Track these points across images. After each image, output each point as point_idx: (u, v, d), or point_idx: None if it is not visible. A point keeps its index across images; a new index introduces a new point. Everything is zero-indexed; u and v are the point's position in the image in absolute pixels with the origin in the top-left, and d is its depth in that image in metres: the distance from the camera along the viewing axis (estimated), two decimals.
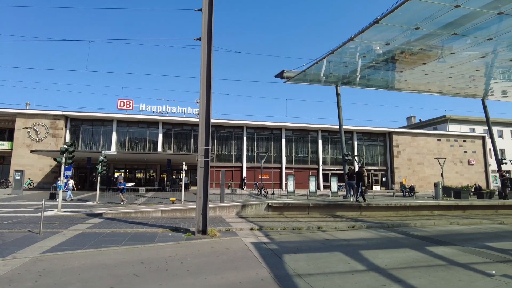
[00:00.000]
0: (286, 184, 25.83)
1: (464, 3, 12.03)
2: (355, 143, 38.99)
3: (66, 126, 31.29)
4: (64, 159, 14.30)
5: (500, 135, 45.43)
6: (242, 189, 32.43)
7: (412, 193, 26.09)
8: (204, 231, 9.56)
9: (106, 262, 6.67)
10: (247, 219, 13.11)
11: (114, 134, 32.64)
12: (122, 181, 19.53)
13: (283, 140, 37.49)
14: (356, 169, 23.20)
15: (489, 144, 39.47)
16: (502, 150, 44.26)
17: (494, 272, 6.17)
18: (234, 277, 5.87)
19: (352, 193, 19.26)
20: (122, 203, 17.48)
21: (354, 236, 10.11)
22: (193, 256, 7.32)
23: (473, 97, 27.51)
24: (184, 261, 6.87)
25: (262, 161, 28.28)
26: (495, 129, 43.88)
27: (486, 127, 28.13)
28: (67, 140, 30.57)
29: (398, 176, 37.31)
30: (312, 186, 24.61)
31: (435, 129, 44.73)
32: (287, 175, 31.07)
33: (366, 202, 16.32)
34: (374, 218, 14.21)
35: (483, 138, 41.17)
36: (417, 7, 12.70)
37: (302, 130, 38.36)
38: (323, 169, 37.94)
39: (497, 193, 22.10)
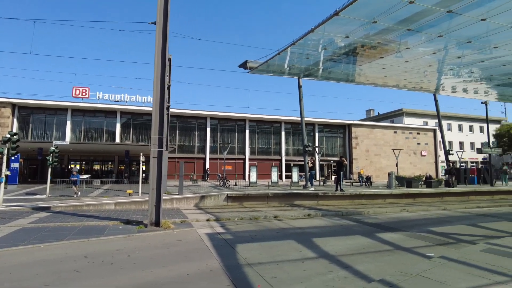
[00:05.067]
0: (249, 175, 25.89)
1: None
2: (316, 134, 39.88)
3: (13, 115, 28.99)
4: (6, 149, 13.18)
5: (449, 128, 48.62)
6: (205, 180, 32.08)
7: (368, 183, 27.19)
8: (157, 223, 9.26)
9: (46, 258, 6.22)
10: (205, 210, 12.93)
11: (68, 123, 30.80)
12: (75, 173, 18.49)
13: (247, 131, 37.46)
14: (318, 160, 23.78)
15: (439, 137, 42.16)
16: (450, 142, 47.43)
17: (433, 254, 6.52)
18: (183, 268, 5.71)
19: (311, 182, 19.79)
20: (75, 196, 16.58)
21: (309, 224, 10.29)
22: (143, 249, 7.04)
23: (426, 91, 28.80)
24: (132, 254, 6.58)
25: (225, 152, 28.08)
26: (444, 123, 46.79)
27: (437, 120, 29.73)
28: (15, 129, 28.36)
29: (356, 166, 38.75)
30: (274, 176, 24.92)
31: (392, 121, 46.91)
32: (250, 166, 31.18)
33: (322, 190, 16.77)
34: (330, 206, 14.61)
35: (434, 130, 43.82)
36: (374, 1, 13.01)
37: (266, 122, 38.56)
38: (286, 160, 38.49)
39: (443, 182, 23.68)
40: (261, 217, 11.19)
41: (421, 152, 42.41)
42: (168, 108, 20.32)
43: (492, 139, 44.65)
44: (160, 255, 6.59)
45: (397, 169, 28.61)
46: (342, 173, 17.30)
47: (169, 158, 30.77)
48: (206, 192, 16.11)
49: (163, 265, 5.90)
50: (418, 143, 42.59)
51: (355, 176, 36.13)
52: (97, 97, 31.09)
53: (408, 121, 46.07)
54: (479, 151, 27.72)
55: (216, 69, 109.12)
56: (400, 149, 29.90)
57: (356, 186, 25.77)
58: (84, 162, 33.54)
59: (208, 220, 10.58)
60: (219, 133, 36.62)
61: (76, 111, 31.37)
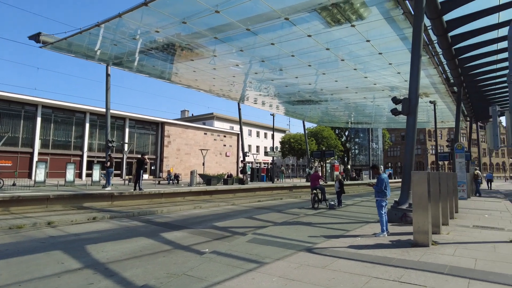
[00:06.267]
0: (36, 173, 21.27)
1: (222, 10, 13.24)
2: (127, 130, 37.56)
3: None
4: None
5: (250, 134, 56.20)
6: None
7: (175, 181, 27.61)
8: None
9: None
10: None
11: None
12: None
13: (39, 119, 31.07)
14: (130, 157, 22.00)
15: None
16: (250, 146, 54.88)
17: (207, 250, 6.84)
18: None
19: (109, 181, 18.16)
20: None
21: (90, 229, 9.10)
22: None
23: (234, 100, 31.60)
24: None
25: (0, 143, 22.12)
26: (246, 129, 53.84)
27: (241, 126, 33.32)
28: None
29: (167, 165, 38.91)
30: (70, 175, 21.55)
31: (204, 124, 49.92)
32: (38, 161, 25.77)
33: (119, 190, 15.65)
34: (124, 207, 13.68)
35: (238, 135, 49.52)
36: (184, 0, 13.08)
37: (66, 110, 33.18)
38: (89, 156, 34.28)
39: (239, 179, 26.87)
40: (29, 224, 9.07)
41: (226, 153, 47.02)
42: None
43: (278, 145, 54.68)
44: None
45: (204, 167, 30.38)
46: (142, 171, 16.61)
47: None
48: None
49: None
50: (224, 145, 47.07)
51: (165, 175, 36.10)
52: None
53: (218, 125, 50.25)
54: (266, 154, 33.18)
55: None
56: (207, 150, 31.96)
57: (163, 184, 25.60)
58: None
59: None
60: None
61: None
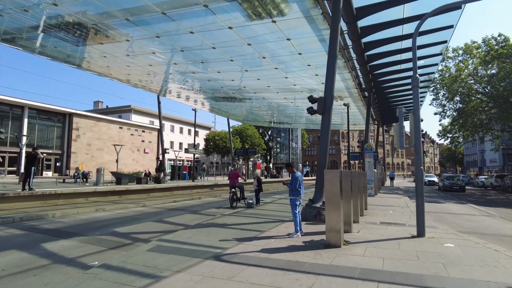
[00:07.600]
0: None
1: None
2: (26, 120, 32.53)
3: None
4: None
5: (172, 129, 53.75)
6: None
7: (84, 180, 24.69)
8: None
9: None
10: None
11: None
12: None
13: None
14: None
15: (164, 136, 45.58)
16: (172, 142, 52.49)
17: (96, 262, 5.73)
18: None
19: None
20: None
21: None
22: None
23: (155, 92, 29.24)
24: None
25: None
26: (168, 124, 51.35)
27: (163, 121, 31.21)
28: None
29: (75, 161, 34.79)
30: None
31: (120, 117, 46.05)
32: None
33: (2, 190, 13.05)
34: (7, 211, 11.32)
35: (158, 130, 46.86)
36: None
37: None
38: None
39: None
40: None
41: (144, 150, 44.05)
42: None
43: (203, 142, 53.42)
44: None
45: (117, 165, 27.82)
46: (33, 168, 14.09)
47: None
48: None
49: None
50: (143, 141, 44.02)
51: (72, 172, 32.21)
52: None
53: (136, 119, 46.81)
54: (186, 151, 31.84)
55: None
56: (122, 145, 29.35)
57: (69, 183, 22.69)
58: None
59: None
60: None
61: None
